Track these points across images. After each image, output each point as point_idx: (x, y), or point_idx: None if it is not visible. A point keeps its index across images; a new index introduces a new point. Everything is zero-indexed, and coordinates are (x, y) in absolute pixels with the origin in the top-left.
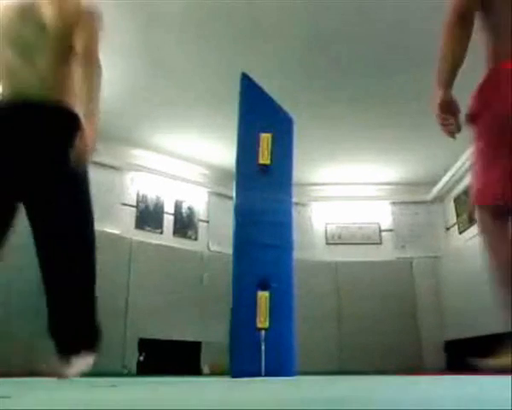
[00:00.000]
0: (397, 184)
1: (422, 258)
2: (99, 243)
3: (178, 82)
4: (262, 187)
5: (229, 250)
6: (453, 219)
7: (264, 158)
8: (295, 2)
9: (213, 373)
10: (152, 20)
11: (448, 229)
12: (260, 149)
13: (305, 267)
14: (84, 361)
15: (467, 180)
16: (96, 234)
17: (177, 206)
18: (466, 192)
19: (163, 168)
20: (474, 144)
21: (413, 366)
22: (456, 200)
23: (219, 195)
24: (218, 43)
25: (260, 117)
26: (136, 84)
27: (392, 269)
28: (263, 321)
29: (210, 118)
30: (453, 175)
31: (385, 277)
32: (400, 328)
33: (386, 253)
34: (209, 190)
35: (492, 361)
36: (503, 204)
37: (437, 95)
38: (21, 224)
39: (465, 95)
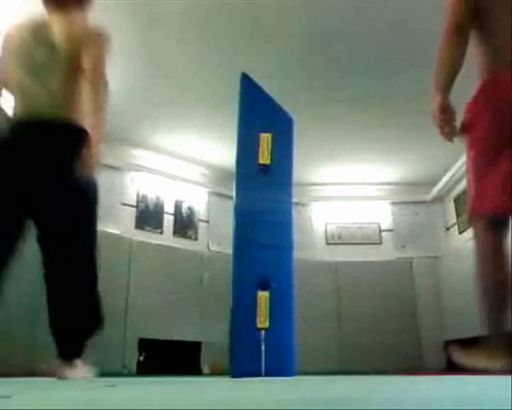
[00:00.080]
0: (397, 184)
1: (422, 258)
2: (99, 243)
3: (178, 82)
4: (262, 187)
5: (229, 250)
6: (453, 219)
7: (264, 158)
8: (295, 2)
9: (213, 373)
10: (152, 20)
11: (448, 229)
12: (260, 149)
13: (305, 267)
14: (86, 367)
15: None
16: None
17: (177, 206)
18: (466, 192)
19: (163, 168)
20: (467, 154)
21: (413, 366)
22: (456, 200)
23: (219, 195)
24: (218, 43)
25: (260, 117)
26: (136, 84)
27: (392, 269)
28: (263, 321)
29: (210, 118)
30: (453, 175)
31: (385, 277)
32: (400, 328)
33: (386, 253)
34: (209, 190)
35: (463, 358)
36: (497, 214)
37: (435, 99)
38: None
39: (462, 101)
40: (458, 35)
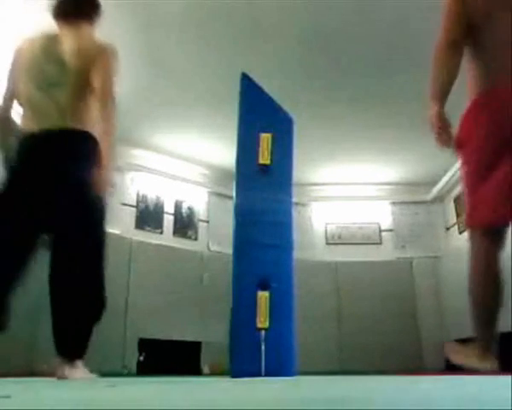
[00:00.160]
0: (397, 184)
1: (422, 258)
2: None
3: (178, 82)
4: (262, 187)
5: (229, 250)
6: (453, 219)
7: (264, 158)
8: (295, 2)
9: (213, 373)
10: (152, 20)
11: (448, 229)
12: (260, 149)
13: (305, 267)
14: (86, 369)
15: None
16: None
17: (177, 206)
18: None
19: (163, 168)
20: (462, 168)
21: (413, 366)
22: (456, 200)
23: (219, 195)
24: (218, 43)
25: (260, 117)
26: (136, 84)
27: (392, 269)
28: (263, 321)
29: (210, 118)
30: (453, 175)
31: (385, 277)
32: (400, 328)
33: (386, 253)
34: (209, 190)
35: (455, 356)
36: (491, 225)
37: (432, 108)
38: None
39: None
40: (452, 50)
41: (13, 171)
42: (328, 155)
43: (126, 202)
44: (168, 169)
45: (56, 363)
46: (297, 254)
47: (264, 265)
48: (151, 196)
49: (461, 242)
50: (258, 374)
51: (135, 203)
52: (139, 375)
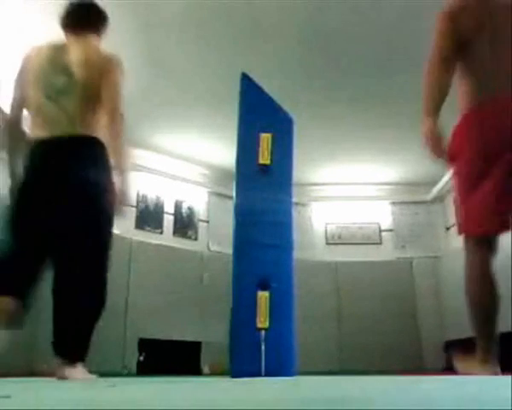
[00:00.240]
0: (397, 184)
1: (422, 258)
2: None
3: (178, 82)
4: (262, 187)
5: (229, 250)
6: (453, 219)
7: (264, 158)
8: (295, 2)
9: (213, 373)
10: (152, 20)
11: (448, 229)
12: (260, 149)
13: (305, 267)
14: (86, 370)
15: None
16: None
17: (177, 206)
18: None
19: (163, 168)
20: (454, 179)
21: (413, 366)
22: None
23: (219, 195)
24: (218, 43)
25: (260, 117)
26: (136, 84)
27: (392, 269)
28: (263, 321)
29: (210, 118)
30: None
31: (385, 277)
32: (400, 328)
33: (386, 253)
34: (209, 190)
35: (459, 364)
36: (482, 234)
37: (425, 123)
38: None
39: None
40: (444, 66)
41: (27, 176)
42: (328, 155)
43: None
44: (168, 169)
45: (56, 363)
46: (297, 254)
47: (264, 265)
48: (151, 196)
49: (461, 242)
50: (258, 374)
51: (135, 203)
52: (139, 375)
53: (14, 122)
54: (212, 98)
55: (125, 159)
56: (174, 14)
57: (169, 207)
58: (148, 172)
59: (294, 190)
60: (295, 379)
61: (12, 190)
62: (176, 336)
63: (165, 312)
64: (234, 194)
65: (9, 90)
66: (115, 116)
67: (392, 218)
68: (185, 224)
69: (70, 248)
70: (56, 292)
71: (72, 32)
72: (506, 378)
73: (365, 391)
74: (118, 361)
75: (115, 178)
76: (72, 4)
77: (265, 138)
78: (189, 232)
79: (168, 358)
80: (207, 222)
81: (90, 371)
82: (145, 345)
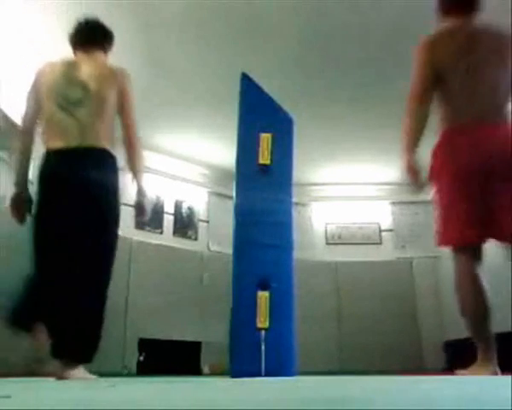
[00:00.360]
0: (397, 184)
1: (422, 258)
2: None
3: (178, 82)
4: (262, 187)
5: (229, 250)
6: None
7: (264, 158)
8: (295, 2)
9: (213, 373)
10: (152, 20)
11: None
12: (260, 149)
13: (305, 267)
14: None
15: None
16: None
17: (177, 206)
18: None
19: (163, 168)
20: (435, 196)
21: (413, 366)
22: None
23: (219, 195)
24: (218, 43)
25: (260, 117)
26: (136, 84)
27: (392, 269)
28: (263, 321)
29: (210, 118)
30: None
31: (385, 277)
32: (400, 328)
33: (386, 253)
34: (209, 190)
35: (464, 372)
36: (464, 243)
37: (404, 159)
38: (23, 227)
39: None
40: (423, 98)
41: (45, 185)
42: (328, 155)
43: (126, 202)
44: (168, 169)
45: (56, 363)
46: (297, 254)
47: (264, 265)
48: (151, 196)
49: None
50: (258, 374)
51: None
52: (139, 375)
53: (26, 134)
54: (212, 98)
55: (141, 165)
56: (174, 14)
57: (169, 207)
58: (148, 172)
59: (294, 190)
60: (295, 379)
61: (21, 199)
62: (176, 336)
63: (165, 312)
64: (234, 194)
65: (9, 91)
66: (133, 127)
67: (392, 218)
68: (185, 224)
69: (83, 252)
70: (61, 293)
71: (81, 50)
72: (506, 378)
73: (365, 391)
74: (118, 361)
75: (133, 185)
76: (80, 23)
77: (265, 138)
78: (189, 232)
79: (168, 358)
80: (207, 222)
81: (90, 372)
82: (145, 345)
